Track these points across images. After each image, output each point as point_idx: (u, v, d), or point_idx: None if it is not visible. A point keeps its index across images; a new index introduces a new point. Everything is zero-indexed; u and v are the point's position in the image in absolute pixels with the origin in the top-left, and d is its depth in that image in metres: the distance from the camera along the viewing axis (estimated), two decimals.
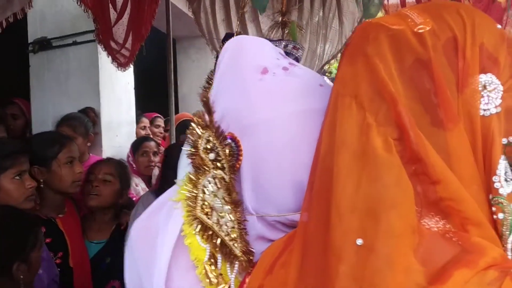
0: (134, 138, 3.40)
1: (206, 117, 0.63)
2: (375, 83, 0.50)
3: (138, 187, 2.74)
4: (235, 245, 0.60)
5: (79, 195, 1.91)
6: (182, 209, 0.62)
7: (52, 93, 3.32)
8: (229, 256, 0.60)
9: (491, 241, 0.44)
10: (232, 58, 0.66)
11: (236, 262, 0.60)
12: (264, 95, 0.61)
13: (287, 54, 1.80)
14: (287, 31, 2.06)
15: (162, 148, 3.20)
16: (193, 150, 0.61)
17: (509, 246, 0.45)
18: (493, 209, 0.46)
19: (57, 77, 3.34)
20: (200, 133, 0.61)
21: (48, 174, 1.73)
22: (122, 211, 1.98)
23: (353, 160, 0.47)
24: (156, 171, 2.93)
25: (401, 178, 0.45)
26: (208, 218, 0.61)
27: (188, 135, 0.62)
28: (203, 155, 0.61)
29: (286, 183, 0.59)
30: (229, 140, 0.61)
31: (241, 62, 0.65)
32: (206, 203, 0.61)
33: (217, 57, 0.72)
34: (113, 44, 2.73)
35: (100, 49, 2.91)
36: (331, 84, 0.59)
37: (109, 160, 2.07)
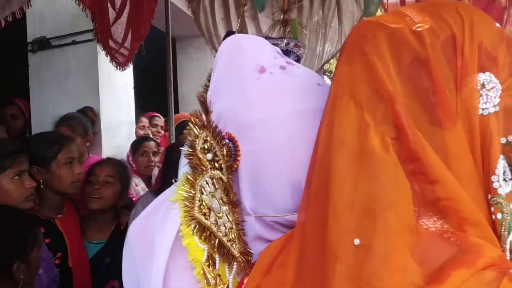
0: (133, 138, 3.39)
1: (204, 117, 0.63)
2: (373, 82, 0.50)
3: (138, 187, 2.74)
4: (233, 245, 0.60)
5: (78, 196, 1.90)
6: (180, 210, 0.62)
7: (52, 93, 3.32)
8: (227, 256, 0.60)
9: (489, 242, 0.44)
10: (229, 57, 0.66)
11: (235, 263, 0.60)
12: (261, 95, 0.60)
13: (289, 52, 1.81)
14: (288, 29, 2.06)
15: (161, 148, 3.20)
16: (191, 150, 0.61)
17: (507, 246, 0.45)
18: (492, 209, 0.46)
19: (56, 77, 3.33)
20: (197, 133, 0.61)
21: (47, 174, 1.73)
22: (122, 211, 1.98)
23: (350, 159, 0.47)
24: (155, 171, 2.93)
25: (399, 177, 0.45)
26: (206, 219, 0.61)
27: (185, 135, 0.62)
28: (200, 155, 0.61)
29: (284, 183, 0.59)
30: (226, 140, 0.61)
31: (238, 61, 0.64)
32: (204, 203, 0.61)
33: None
34: (111, 43, 2.72)
35: (99, 48, 2.90)
36: (329, 83, 0.58)
37: (110, 160, 2.06)
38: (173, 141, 3.02)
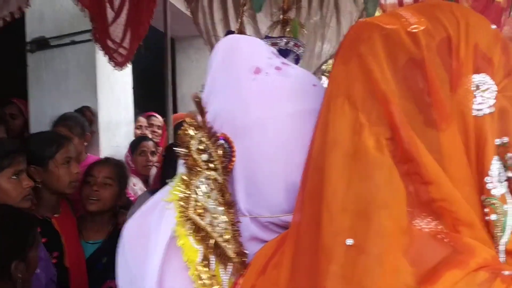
0: (132, 137, 3.39)
1: (199, 117, 0.62)
2: (368, 83, 0.50)
3: (136, 186, 2.73)
4: (228, 246, 0.60)
5: (76, 195, 1.90)
6: (175, 210, 0.62)
7: (50, 93, 3.31)
8: (222, 257, 0.60)
9: (483, 243, 0.44)
10: (224, 58, 0.66)
11: (230, 264, 0.60)
12: (257, 96, 0.60)
13: (289, 51, 1.81)
14: (288, 29, 2.05)
15: (160, 148, 3.20)
16: (186, 150, 0.61)
17: (501, 248, 0.45)
18: (486, 210, 0.46)
19: (55, 77, 3.33)
20: (192, 134, 0.61)
21: (45, 174, 1.73)
22: (120, 211, 1.98)
23: (345, 159, 0.47)
24: (153, 171, 2.93)
25: (393, 178, 0.45)
26: (201, 219, 0.61)
27: (181, 136, 0.62)
28: (195, 156, 0.60)
29: (279, 184, 0.59)
30: (221, 141, 0.61)
31: (234, 62, 0.64)
32: (199, 204, 0.61)
33: None
34: (110, 43, 2.72)
35: (98, 48, 2.90)
36: (325, 84, 0.58)
37: (108, 161, 2.05)
38: (171, 141, 3.02)
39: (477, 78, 0.49)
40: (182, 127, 0.62)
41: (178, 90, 4.85)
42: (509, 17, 2.43)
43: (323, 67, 2.76)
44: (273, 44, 1.65)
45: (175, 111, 3.99)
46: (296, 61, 1.83)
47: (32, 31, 3.39)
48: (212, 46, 2.83)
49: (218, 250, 0.60)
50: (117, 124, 3.45)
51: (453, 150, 0.47)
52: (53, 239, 1.68)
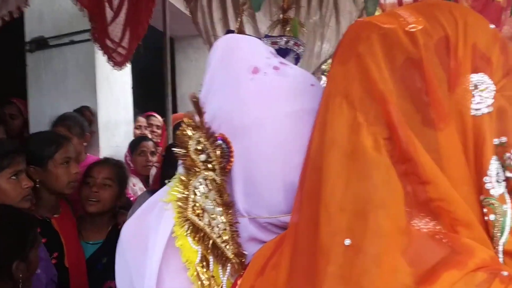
0: (131, 137, 3.39)
1: (197, 117, 0.62)
2: (366, 82, 0.50)
3: (136, 187, 2.73)
4: (227, 247, 0.60)
5: (75, 196, 1.90)
6: (173, 210, 0.61)
7: (50, 93, 3.31)
8: (221, 258, 0.60)
9: (481, 243, 0.44)
10: (223, 57, 0.65)
11: (228, 264, 0.60)
12: (255, 96, 0.60)
13: (289, 50, 1.80)
14: (288, 28, 2.05)
15: (159, 148, 3.20)
16: (184, 151, 0.60)
17: (500, 248, 0.45)
18: (485, 210, 0.46)
19: (54, 77, 3.33)
20: (190, 134, 0.60)
21: (44, 174, 1.72)
22: (119, 212, 1.97)
23: (342, 159, 0.47)
24: (153, 171, 2.93)
25: (390, 177, 0.45)
26: (200, 220, 0.60)
27: (179, 136, 0.62)
28: (193, 156, 0.60)
29: (277, 184, 0.59)
30: (220, 141, 0.60)
31: (232, 61, 0.64)
32: (197, 204, 0.61)
33: None
34: (109, 43, 2.72)
35: (97, 48, 2.90)
36: (323, 83, 0.58)
37: (107, 161, 2.04)
38: (171, 141, 3.02)
39: (475, 77, 0.49)
40: (180, 128, 0.62)
41: (177, 89, 4.85)
42: (510, 16, 2.42)
43: (323, 66, 2.75)
44: (273, 43, 1.64)
45: (174, 111, 3.99)
46: (296, 60, 1.82)
47: (31, 31, 3.38)
48: (211, 46, 2.82)
49: (216, 251, 0.60)
50: (116, 124, 3.45)
51: (451, 149, 0.47)
52: (53, 239, 1.68)
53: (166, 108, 3.06)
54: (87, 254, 1.80)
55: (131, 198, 2.45)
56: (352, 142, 0.47)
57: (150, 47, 3.06)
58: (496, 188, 0.46)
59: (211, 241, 0.60)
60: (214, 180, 0.60)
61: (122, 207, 2.03)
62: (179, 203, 0.61)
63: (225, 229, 0.60)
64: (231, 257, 0.60)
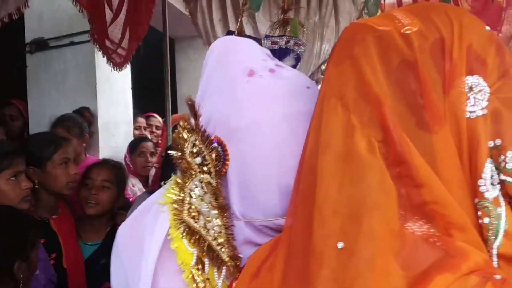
0: (131, 138, 3.39)
1: (192, 120, 0.62)
2: (361, 84, 0.50)
3: (135, 187, 2.73)
4: (222, 250, 0.60)
5: (74, 197, 1.90)
6: (169, 213, 0.61)
7: (49, 94, 3.31)
8: (216, 260, 0.60)
9: (475, 246, 0.43)
10: (219, 59, 0.65)
11: (224, 267, 0.60)
12: (250, 98, 0.60)
13: (289, 50, 1.80)
14: (288, 29, 2.05)
15: (159, 149, 3.19)
16: (179, 154, 0.60)
17: (494, 251, 0.44)
18: (479, 213, 0.46)
19: (54, 78, 3.33)
20: (186, 137, 0.60)
21: (42, 174, 1.72)
22: (118, 212, 1.98)
23: (336, 161, 0.47)
24: (153, 172, 2.93)
25: (384, 180, 0.45)
26: (195, 222, 0.60)
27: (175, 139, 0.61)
28: (189, 159, 0.60)
29: (273, 188, 0.58)
30: (215, 144, 0.60)
31: (228, 63, 0.64)
32: (193, 207, 0.61)
33: None
34: (108, 44, 2.72)
35: (97, 49, 2.90)
36: (318, 86, 0.58)
37: (106, 163, 2.03)
38: (171, 142, 3.02)
39: (470, 79, 0.49)
40: (176, 130, 0.62)
41: (177, 90, 4.85)
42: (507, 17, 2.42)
43: (322, 67, 2.75)
44: (273, 43, 1.64)
45: (174, 111, 3.99)
46: (297, 60, 1.82)
47: (31, 32, 3.38)
48: None
49: (212, 254, 0.60)
50: (116, 125, 3.45)
51: (445, 152, 0.47)
52: (51, 240, 1.68)
53: (166, 109, 3.06)
54: (85, 255, 1.80)
55: (130, 199, 2.45)
56: (346, 144, 0.47)
57: (150, 48, 3.06)
58: (490, 191, 0.45)
59: (206, 244, 0.60)
60: (209, 183, 0.60)
61: (121, 208, 2.03)
62: (175, 205, 0.61)
63: (220, 232, 0.60)
64: (226, 260, 0.60)
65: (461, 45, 0.50)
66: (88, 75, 3.25)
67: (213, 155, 0.60)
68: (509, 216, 0.45)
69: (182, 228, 0.60)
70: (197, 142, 0.60)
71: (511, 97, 0.49)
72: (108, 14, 2.62)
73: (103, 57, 2.80)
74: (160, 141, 3.57)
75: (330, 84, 0.53)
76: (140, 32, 2.81)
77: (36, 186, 1.69)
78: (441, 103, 0.48)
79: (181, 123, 0.61)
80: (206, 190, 0.60)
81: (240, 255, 0.60)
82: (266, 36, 1.92)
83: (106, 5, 2.55)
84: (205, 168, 0.60)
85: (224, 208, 0.60)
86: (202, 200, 0.60)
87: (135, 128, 3.58)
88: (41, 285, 1.47)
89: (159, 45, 3.04)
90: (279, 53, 1.65)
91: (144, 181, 2.96)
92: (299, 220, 0.49)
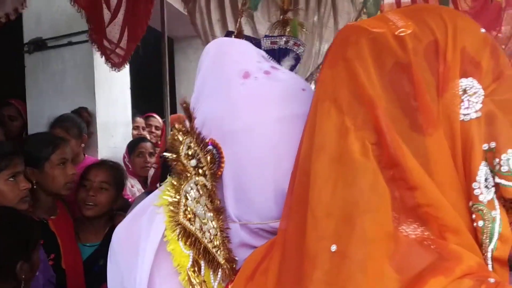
0: (130, 138, 3.38)
1: (187, 122, 0.62)
2: (354, 87, 0.50)
3: (134, 188, 2.73)
4: (218, 252, 0.60)
5: (72, 197, 1.90)
6: (165, 215, 0.61)
7: (48, 94, 3.31)
8: (212, 263, 0.60)
9: (469, 249, 0.43)
10: (214, 61, 0.65)
11: (219, 270, 0.60)
12: (245, 101, 0.60)
13: (288, 50, 1.80)
14: (288, 29, 2.05)
15: (158, 149, 3.19)
16: (175, 156, 0.60)
17: (488, 254, 0.44)
18: (473, 216, 0.45)
19: (52, 78, 3.32)
20: (181, 139, 0.60)
21: (40, 175, 1.73)
22: (117, 213, 1.97)
23: (330, 164, 0.47)
24: (152, 172, 2.93)
25: (378, 183, 0.44)
26: (191, 224, 0.60)
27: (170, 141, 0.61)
28: (184, 161, 0.60)
29: (268, 190, 0.58)
30: (210, 147, 0.60)
31: (223, 65, 0.64)
32: (188, 209, 0.60)
33: None
34: (106, 44, 2.71)
35: (95, 49, 2.90)
36: (313, 88, 0.58)
37: (104, 164, 2.03)
38: None
39: (464, 82, 0.48)
40: (171, 132, 0.62)
41: (176, 90, 4.84)
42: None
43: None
44: (273, 43, 1.64)
45: (173, 111, 3.98)
46: (296, 60, 1.82)
47: (29, 32, 3.38)
48: None
49: (208, 256, 0.60)
50: (115, 125, 3.44)
51: (439, 155, 0.46)
52: (50, 241, 1.68)
53: (164, 109, 3.05)
54: (84, 256, 1.80)
55: (129, 200, 2.45)
56: (339, 146, 0.47)
57: (148, 48, 3.06)
58: (485, 194, 0.45)
59: (202, 246, 0.60)
60: (205, 185, 0.60)
61: (120, 209, 2.03)
62: (171, 207, 0.61)
63: (216, 235, 0.60)
64: (222, 262, 0.59)
65: (455, 47, 0.50)
66: (87, 75, 3.25)
67: (208, 158, 0.60)
68: (504, 219, 0.45)
69: (178, 230, 0.60)
70: (192, 144, 0.60)
71: (505, 100, 0.49)
72: (106, 14, 2.62)
73: (102, 57, 2.80)
74: (159, 141, 3.57)
75: (324, 86, 0.53)
76: (138, 32, 2.81)
77: (35, 187, 1.69)
78: (435, 105, 0.48)
79: (176, 125, 0.61)
80: (201, 193, 0.60)
81: (235, 257, 0.60)
82: (266, 36, 1.92)
83: (104, 5, 2.55)
84: (200, 171, 0.60)
85: (219, 211, 0.60)
86: (197, 202, 0.60)
87: (133, 128, 3.57)
88: (40, 286, 1.47)
89: (158, 45, 3.03)
90: (279, 53, 1.64)
91: (143, 181, 2.96)
92: (293, 222, 0.49)
